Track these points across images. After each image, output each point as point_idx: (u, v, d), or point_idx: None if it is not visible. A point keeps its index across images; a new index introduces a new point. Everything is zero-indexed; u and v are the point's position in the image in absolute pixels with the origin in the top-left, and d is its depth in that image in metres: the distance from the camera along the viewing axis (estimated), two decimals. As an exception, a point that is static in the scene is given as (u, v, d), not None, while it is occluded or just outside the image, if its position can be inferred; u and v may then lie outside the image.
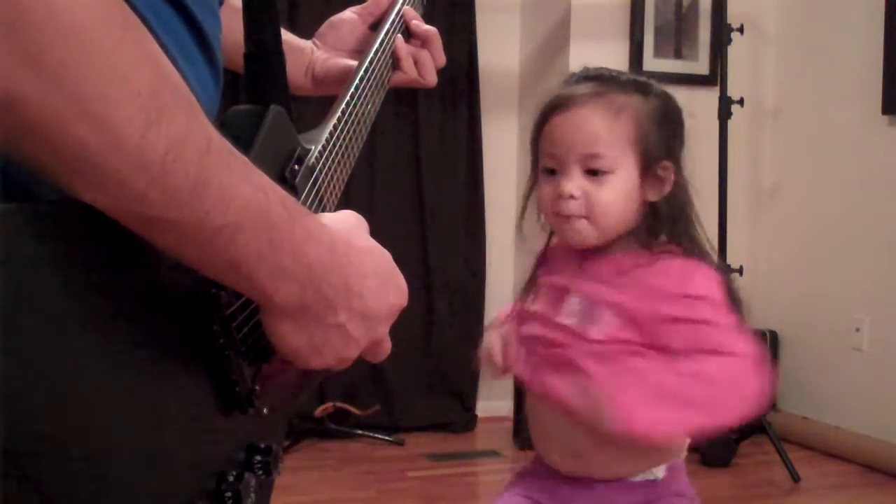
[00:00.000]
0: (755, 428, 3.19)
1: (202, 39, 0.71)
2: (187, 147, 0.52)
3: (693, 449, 3.17)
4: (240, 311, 0.65)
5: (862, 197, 3.35)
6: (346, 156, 0.91)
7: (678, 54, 3.66)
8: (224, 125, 0.57)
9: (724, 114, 3.31)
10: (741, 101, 3.32)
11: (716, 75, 3.48)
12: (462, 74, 3.68)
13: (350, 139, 0.93)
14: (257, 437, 0.72)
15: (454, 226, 3.69)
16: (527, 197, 1.28)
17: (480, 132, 3.71)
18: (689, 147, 1.30)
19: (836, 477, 3.13)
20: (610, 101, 1.21)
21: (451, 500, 2.89)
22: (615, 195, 1.19)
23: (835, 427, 3.36)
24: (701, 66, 3.67)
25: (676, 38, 3.66)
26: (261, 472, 0.71)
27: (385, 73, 1.09)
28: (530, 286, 1.30)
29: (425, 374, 3.62)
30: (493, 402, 3.68)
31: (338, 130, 0.89)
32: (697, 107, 3.73)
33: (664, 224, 1.22)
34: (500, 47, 3.79)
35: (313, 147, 0.82)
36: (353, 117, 0.94)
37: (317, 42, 1.21)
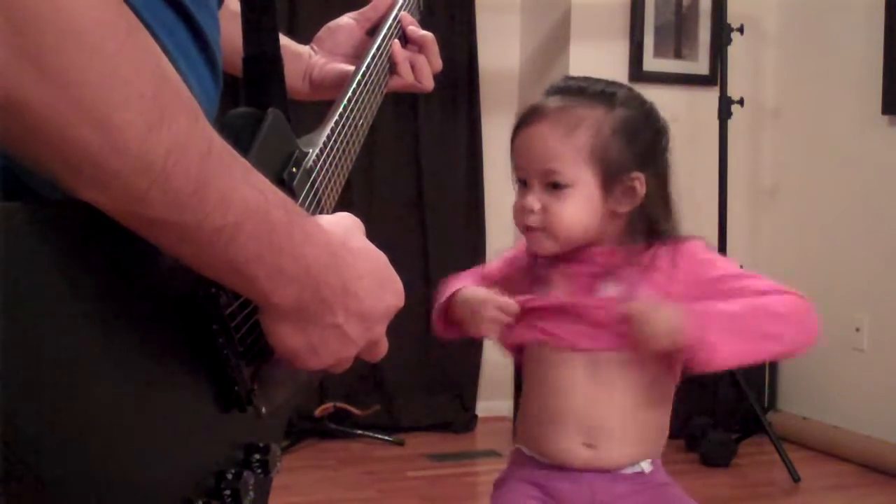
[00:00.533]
0: (755, 428, 3.19)
1: (202, 42, 0.72)
2: (188, 149, 0.52)
3: (693, 449, 3.19)
4: (238, 311, 0.65)
5: (862, 197, 3.35)
6: (343, 159, 0.91)
7: (678, 54, 3.66)
8: (223, 128, 0.57)
9: (724, 114, 3.31)
10: (741, 101, 3.33)
11: (716, 75, 3.48)
12: (462, 74, 3.68)
13: (347, 143, 0.93)
14: (256, 436, 0.72)
15: (454, 226, 3.69)
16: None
17: (480, 132, 3.71)
18: (672, 152, 1.31)
19: (836, 477, 3.13)
20: (568, 117, 1.25)
21: (451, 500, 2.89)
22: (573, 209, 1.24)
23: (835, 427, 3.36)
24: (701, 66, 3.67)
25: (676, 38, 3.66)
26: (259, 471, 0.71)
27: (382, 77, 1.10)
28: (529, 281, 1.32)
29: (425, 374, 3.62)
30: (493, 402, 3.69)
31: (335, 134, 0.90)
32: (697, 107, 3.77)
33: (638, 233, 1.27)
34: (500, 47, 3.80)
35: (311, 150, 0.82)
36: (350, 121, 0.95)
37: (314, 47, 1.22)
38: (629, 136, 1.26)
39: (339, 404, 3.41)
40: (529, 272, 1.34)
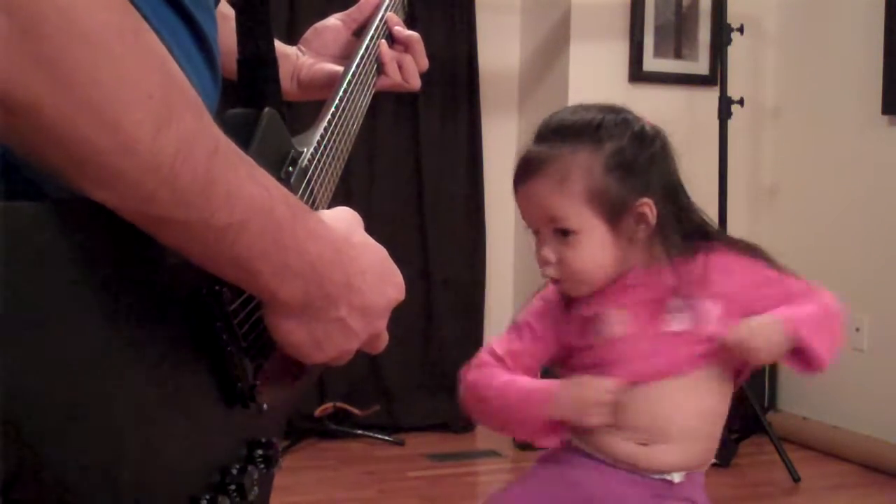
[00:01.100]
0: (755, 428, 3.19)
1: (202, 41, 0.73)
2: (196, 148, 0.53)
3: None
4: (241, 308, 0.66)
5: (862, 197, 3.35)
6: (336, 158, 0.93)
7: (678, 54, 3.67)
8: (220, 128, 0.57)
9: (724, 114, 3.31)
10: (741, 101, 3.33)
11: (716, 75, 3.49)
12: (462, 74, 3.68)
13: (340, 142, 0.95)
14: (258, 431, 0.73)
15: (454, 225, 3.69)
16: None
17: (480, 132, 3.71)
18: (678, 160, 1.31)
19: (836, 477, 3.13)
20: (556, 167, 1.25)
21: (451, 500, 2.89)
22: (586, 254, 1.25)
23: (835, 427, 3.36)
24: (701, 66, 3.67)
25: (676, 38, 3.66)
26: (262, 466, 0.72)
27: (370, 77, 1.12)
28: (580, 322, 1.29)
29: (425, 374, 3.62)
30: (493, 402, 3.68)
31: (328, 133, 0.91)
32: (697, 107, 3.77)
33: (667, 244, 1.27)
34: (500, 47, 3.80)
35: (306, 149, 0.83)
36: (342, 120, 0.97)
37: (302, 48, 1.23)
38: (624, 168, 1.24)
39: (339, 404, 3.41)
40: (573, 312, 1.30)
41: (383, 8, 1.20)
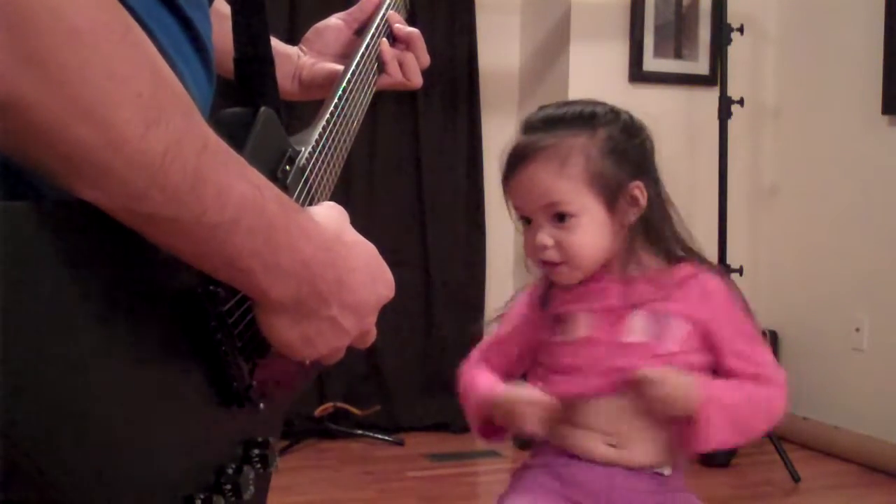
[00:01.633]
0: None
1: (197, 41, 0.73)
2: (185, 146, 0.53)
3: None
4: (236, 308, 0.66)
5: (862, 197, 3.35)
6: (335, 157, 0.93)
7: (678, 54, 3.66)
8: (215, 127, 0.57)
9: (724, 114, 3.31)
10: (741, 101, 3.33)
11: (716, 75, 3.48)
12: (462, 74, 3.68)
13: (339, 141, 0.95)
14: (255, 431, 0.73)
15: (454, 225, 3.69)
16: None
17: (480, 132, 3.71)
18: (661, 153, 1.34)
19: (836, 477, 3.13)
20: (556, 151, 1.27)
21: (451, 500, 2.89)
22: (586, 236, 1.26)
23: (835, 427, 3.36)
24: (701, 66, 3.67)
25: (676, 38, 3.66)
26: (259, 466, 0.72)
27: (371, 76, 1.12)
28: (552, 319, 1.32)
29: (425, 374, 3.62)
30: (493, 402, 3.68)
31: (327, 132, 0.91)
32: (697, 107, 3.77)
33: (650, 238, 1.29)
34: (500, 47, 3.80)
35: (303, 148, 0.83)
36: (341, 119, 0.97)
37: (303, 48, 1.23)
38: (618, 152, 1.28)
39: (339, 404, 3.41)
40: (548, 312, 1.33)
41: (384, 7, 1.20)
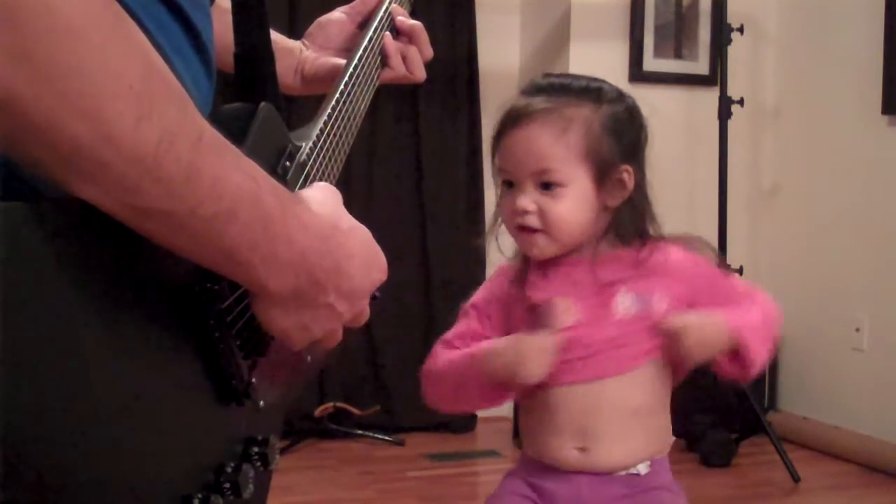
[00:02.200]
0: (755, 428, 3.19)
1: (196, 39, 0.72)
2: (179, 138, 0.52)
3: (693, 449, 3.18)
4: (234, 306, 0.65)
5: (862, 197, 3.35)
6: (336, 152, 0.92)
7: (678, 54, 3.66)
8: (215, 123, 0.57)
9: (724, 114, 3.31)
10: (741, 101, 3.32)
11: (716, 75, 3.48)
12: (462, 74, 3.68)
13: (340, 136, 0.94)
14: (255, 429, 0.73)
15: (454, 225, 3.69)
16: (498, 206, 1.32)
17: (480, 132, 3.70)
18: (652, 144, 1.32)
19: (836, 477, 3.13)
20: (559, 116, 1.24)
21: (451, 500, 2.89)
22: (570, 208, 1.24)
23: (835, 427, 3.36)
24: (701, 66, 3.67)
25: (676, 38, 3.66)
26: (258, 464, 0.72)
27: (374, 70, 1.11)
28: (528, 306, 1.29)
29: (425, 374, 3.61)
30: (493, 402, 3.68)
31: (328, 127, 0.90)
32: (697, 107, 3.77)
33: (629, 225, 1.27)
34: (500, 47, 3.80)
35: (304, 144, 0.83)
36: (342, 114, 0.96)
37: (306, 42, 1.23)
38: (618, 132, 1.26)
39: (339, 404, 3.41)
40: (522, 297, 1.30)
41: (388, 1, 1.19)
